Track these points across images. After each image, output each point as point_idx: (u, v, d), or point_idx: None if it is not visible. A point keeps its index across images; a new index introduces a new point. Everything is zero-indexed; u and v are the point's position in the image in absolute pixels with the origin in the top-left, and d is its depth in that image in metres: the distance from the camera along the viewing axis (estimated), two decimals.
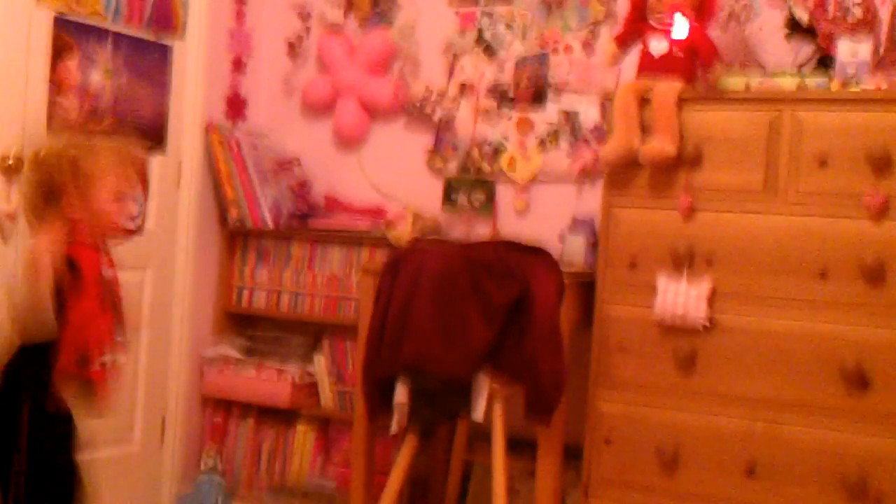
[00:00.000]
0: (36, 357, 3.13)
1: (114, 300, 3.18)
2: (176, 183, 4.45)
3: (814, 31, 3.69)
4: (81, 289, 3.10)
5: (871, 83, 3.42)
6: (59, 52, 3.93)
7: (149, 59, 4.30)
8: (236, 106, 4.82)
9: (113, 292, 3.17)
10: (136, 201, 3.28)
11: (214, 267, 4.67)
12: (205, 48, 4.56)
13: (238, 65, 4.82)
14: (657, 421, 3.56)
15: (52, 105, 3.92)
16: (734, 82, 3.58)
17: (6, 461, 3.15)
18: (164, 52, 4.38)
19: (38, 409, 3.14)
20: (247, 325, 4.73)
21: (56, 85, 3.94)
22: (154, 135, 4.33)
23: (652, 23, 3.68)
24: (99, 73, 4.10)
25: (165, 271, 4.41)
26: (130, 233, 3.29)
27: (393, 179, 4.64)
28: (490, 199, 4.41)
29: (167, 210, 4.40)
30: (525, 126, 4.35)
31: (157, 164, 4.34)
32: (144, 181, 3.34)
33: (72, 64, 3.99)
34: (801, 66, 3.66)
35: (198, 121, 4.54)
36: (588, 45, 4.23)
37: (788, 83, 3.49)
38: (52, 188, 3.19)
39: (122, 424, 4.24)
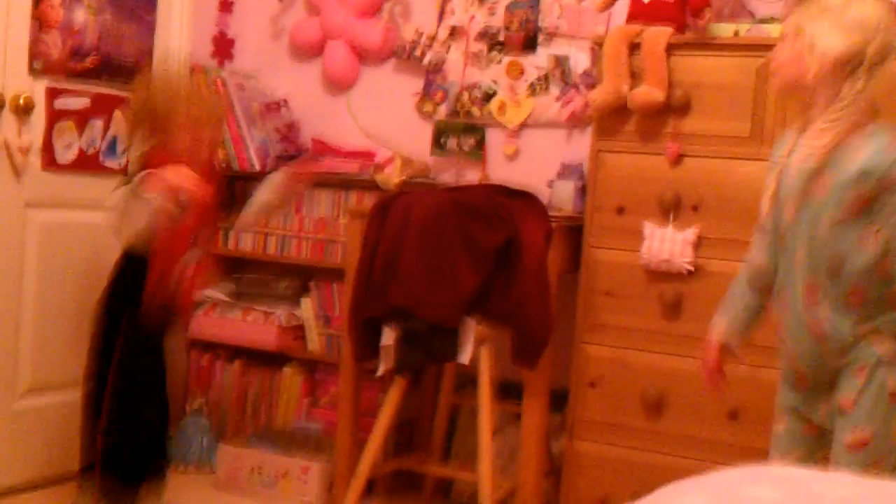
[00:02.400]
0: (137, 269, 3.37)
1: (191, 206, 3.39)
2: None
3: None
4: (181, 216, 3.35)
5: None
6: None
7: None
8: (223, 46, 4.84)
9: (189, 200, 3.37)
10: (213, 127, 3.48)
11: None
12: None
13: (225, 4, 4.84)
14: (642, 365, 3.66)
15: (35, 43, 3.95)
16: (724, 29, 3.62)
17: (103, 376, 3.49)
18: None
19: (133, 319, 3.39)
20: (233, 268, 4.74)
21: (39, 22, 3.96)
22: (140, 73, 4.38)
23: None
24: (83, 11, 4.11)
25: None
26: (208, 158, 3.48)
27: (382, 123, 4.67)
28: (479, 143, 4.45)
29: None
30: (515, 71, 4.39)
31: None
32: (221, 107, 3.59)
33: (55, 0, 4.01)
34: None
35: (184, 61, 4.55)
36: None
37: (777, 30, 3.52)
38: (144, 124, 3.47)
39: None
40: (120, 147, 4.30)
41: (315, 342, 4.46)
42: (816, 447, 2.78)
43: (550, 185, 4.15)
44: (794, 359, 2.74)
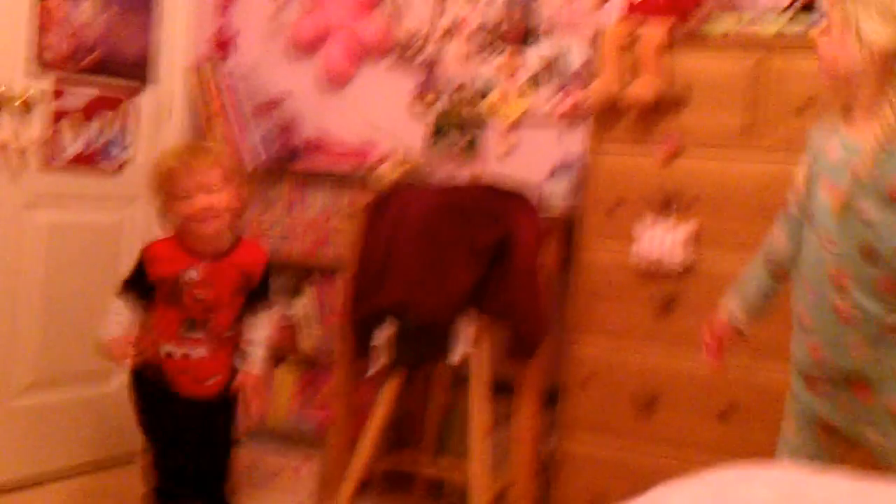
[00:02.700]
0: None
1: (182, 299, 3.36)
2: (161, 120, 4.51)
3: None
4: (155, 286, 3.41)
5: None
6: None
7: None
8: (223, 43, 4.84)
9: (182, 292, 3.37)
10: (212, 192, 3.41)
11: None
12: None
13: (225, 2, 4.84)
14: (634, 364, 3.64)
15: (36, 40, 3.95)
16: (719, 26, 3.61)
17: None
18: None
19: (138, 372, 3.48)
20: None
21: (41, 19, 3.97)
22: (140, 71, 4.38)
23: None
24: (86, 8, 4.13)
25: (151, 207, 4.44)
26: (211, 222, 3.42)
27: (379, 120, 4.67)
28: (475, 140, 4.45)
29: (153, 146, 4.44)
30: (511, 68, 4.38)
31: (143, 101, 4.40)
32: (227, 171, 3.49)
33: None
34: (784, 11, 3.68)
35: (184, 58, 4.58)
36: None
37: (771, 28, 3.52)
38: (155, 199, 3.51)
39: (100, 365, 4.31)
40: (119, 145, 4.29)
41: (310, 340, 4.44)
42: (831, 448, 2.71)
43: (544, 182, 4.13)
44: (816, 346, 2.65)
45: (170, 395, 3.49)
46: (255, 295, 3.55)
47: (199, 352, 3.46)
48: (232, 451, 3.67)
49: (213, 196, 3.39)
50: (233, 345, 3.53)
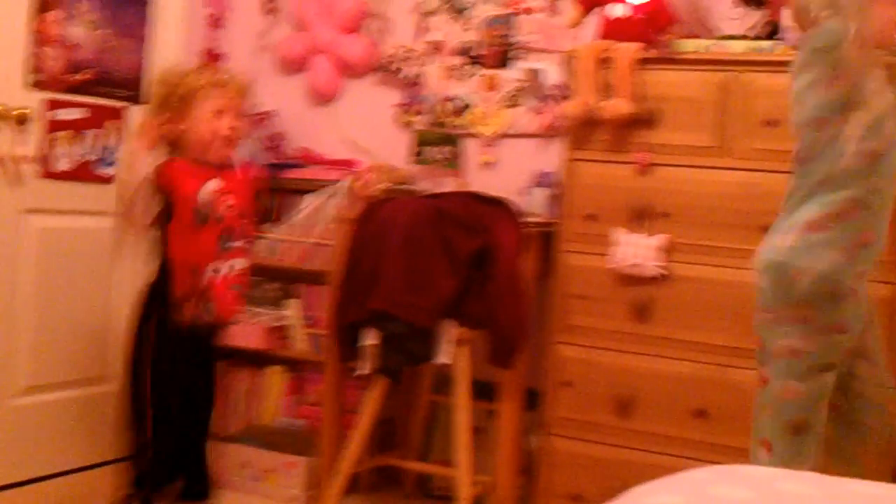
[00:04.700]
0: (167, 274, 3.29)
1: (214, 213, 3.25)
2: None
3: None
4: (174, 209, 3.22)
5: None
6: (42, 4, 3.95)
7: (129, 13, 4.32)
8: (213, 61, 4.81)
9: (213, 206, 3.25)
10: (237, 117, 3.34)
11: None
12: (182, 3, 4.57)
13: (215, 21, 4.83)
14: (613, 365, 3.64)
15: (33, 57, 3.94)
16: (688, 45, 3.63)
17: (138, 373, 3.40)
18: (143, 7, 4.39)
19: (162, 325, 3.30)
20: None
21: (37, 37, 3.95)
22: (133, 87, 4.36)
23: None
24: (80, 27, 4.11)
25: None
26: (229, 142, 3.36)
27: (364, 134, 4.67)
28: (456, 153, 4.45)
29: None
30: (491, 84, 4.40)
31: (135, 115, 4.37)
32: (245, 101, 3.44)
33: (54, 16, 3.99)
34: (749, 32, 3.71)
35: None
36: (551, 7, 4.28)
37: (739, 47, 3.54)
38: (161, 103, 3.33)
39: (98, 366, 4.31)
40: (114, 156, 4.28)
41: (300, 342, 4.42)
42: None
43: (524, 192, 4.14)
44: None
45: (197, 348, 3.40)
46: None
47: (242, 262, 3.37)
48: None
49: (239, 119, 3.34)
50: None
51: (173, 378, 3.46)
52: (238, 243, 3.40)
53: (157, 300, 3.42)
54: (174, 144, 3.41)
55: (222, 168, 3.45)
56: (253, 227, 3.52)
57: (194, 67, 3.73)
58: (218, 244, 3.31)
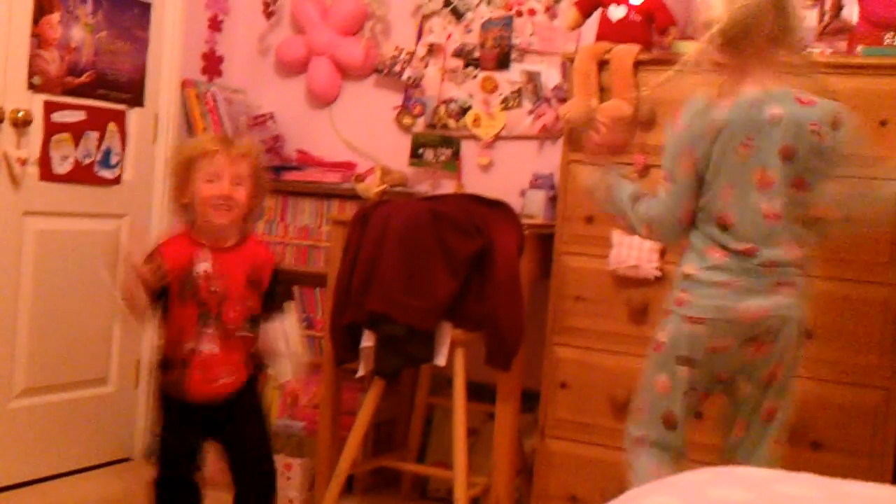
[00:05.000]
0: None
1: (199, 292, 3.25)
2: (153, 136, 4.47)
3: None
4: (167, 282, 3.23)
5: (815, 49, 3.48)
6: (41, 7, 3.95)
7: (128, 15, 4.31)
8: (212, 63, 4.82)
9: (198, 285, 3.24)
10: (236, 185, 3.28)
11: None
12: (182, 6, 4.56)
13: (215, 23, 4.81)
14: (610, 367, 3.63)
15: (34, 59, 3.94)
16: (687, 47, 3.61)
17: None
18: (143, 10, 4.38)
19: (158, 389, 3.33)
20: None
21: (38, 40, 3.96)
22: (132, 89, 4.35)
23: None
24: (80, 29, 4.11)
25: (142, 219, 4.43)
26: (218, 210, 3.30)
27: (363, 136, 4.67)
28: (455, 155, 4.45)
29: (144, 161, 4.43)
30: (489, 86, 4.39)
31: (134, 118, 4.38)
32: (255, 169, 3.36)
33: (54, 19, 4.00)
34: None
35: (175, 76, 4.54)
36: (550, 9, 4.28)
37: None
38: (171, 174, 3.38)
39: (98, 367, 4.30)
40: (114, 159, 4.27)
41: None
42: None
43: (522, 194, 4.13)
44: None
45: (189, 408, 3.37)
46: (269, 297, 3.42)
47: (211, 347, 3.35)
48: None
49: (236, 187, 3.30)
50: (247, 349, 3.40)
51: (161, 443, 3.44)
52: (211, 329, 3.31)
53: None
54: (188, 215, 3.39)
55: (228, 243, 3.39)
56: (244, 317, 3.43)
57: (201, 136, 3.71)
58: (196, 323, 3.30)
